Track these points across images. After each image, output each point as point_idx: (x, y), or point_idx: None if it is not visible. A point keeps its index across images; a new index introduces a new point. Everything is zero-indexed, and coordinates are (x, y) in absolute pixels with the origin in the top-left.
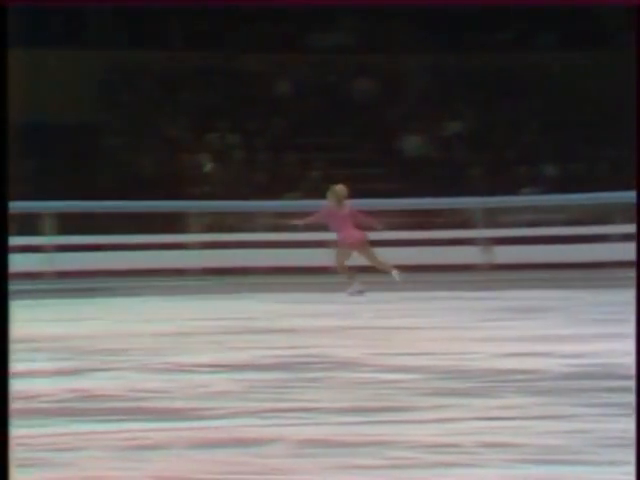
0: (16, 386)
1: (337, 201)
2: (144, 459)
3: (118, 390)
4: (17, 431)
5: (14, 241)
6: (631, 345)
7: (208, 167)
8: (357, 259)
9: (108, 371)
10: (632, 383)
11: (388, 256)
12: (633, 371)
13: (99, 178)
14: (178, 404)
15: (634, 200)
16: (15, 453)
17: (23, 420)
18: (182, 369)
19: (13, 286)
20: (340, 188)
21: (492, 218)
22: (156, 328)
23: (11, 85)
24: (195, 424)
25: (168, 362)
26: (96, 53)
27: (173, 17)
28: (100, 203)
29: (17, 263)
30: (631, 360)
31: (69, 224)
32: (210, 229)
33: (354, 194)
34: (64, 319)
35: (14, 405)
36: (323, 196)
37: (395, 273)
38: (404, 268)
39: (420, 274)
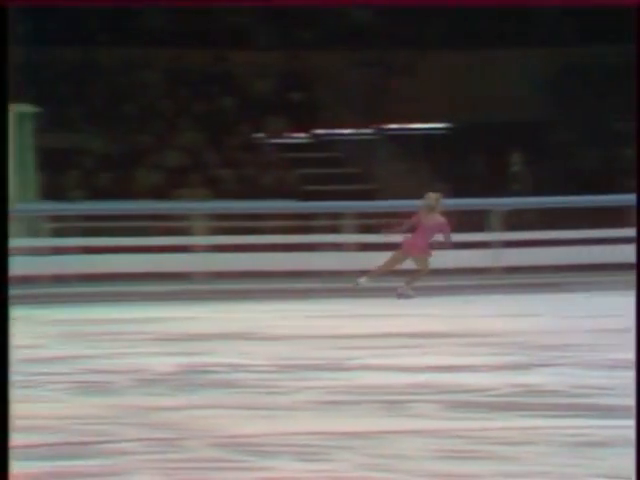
0: (460, 380)
1: (428, 209)
2: (591, 457)
3: (561, 386)
4: (462, 424)
5: (463, 237)
6: None
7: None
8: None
9: (550, 366)
10: None
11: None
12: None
13: (549, 174)
14: (622, 401)
15: None
16: (458, 445)
17: (469, 413)
18: (625, 365)
19: (458, 282)
20: (433, 196)
21: None
22: (599, 324)
23: (458, 86)
24: None
25: (610, 358)
26: (545, 51)
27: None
28: (549, 199)
29: (466, 260)
30: None
31: (514, 220)
32: None
33: None
34: (509, 314)
35: (465, 398)
36: None
37: (408, 291)
38: None
39: None
